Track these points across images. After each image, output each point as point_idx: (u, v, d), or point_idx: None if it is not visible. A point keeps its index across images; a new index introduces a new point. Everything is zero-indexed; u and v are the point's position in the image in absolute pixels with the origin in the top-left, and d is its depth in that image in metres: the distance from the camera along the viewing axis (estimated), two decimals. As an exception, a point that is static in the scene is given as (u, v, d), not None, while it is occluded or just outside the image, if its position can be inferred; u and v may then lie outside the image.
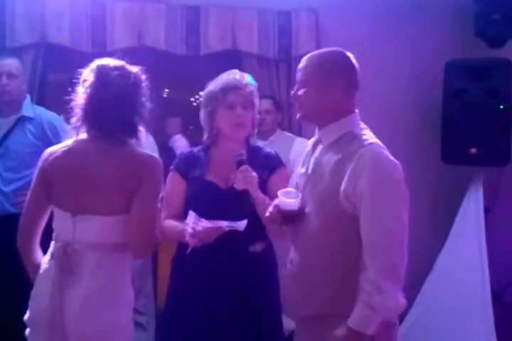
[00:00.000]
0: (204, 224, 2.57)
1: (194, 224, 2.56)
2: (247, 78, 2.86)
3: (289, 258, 2.51)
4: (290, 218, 2.44)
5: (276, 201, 2.48)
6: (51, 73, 4.58)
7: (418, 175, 4.84)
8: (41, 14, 4.25)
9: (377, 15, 4.80)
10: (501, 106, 4.29)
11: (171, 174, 2.93)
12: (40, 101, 4.20)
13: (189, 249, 2.62)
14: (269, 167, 2.86)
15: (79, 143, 2.40)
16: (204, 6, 4.55)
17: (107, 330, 2.30)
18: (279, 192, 2.46)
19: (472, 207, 4.40)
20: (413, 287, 4.47)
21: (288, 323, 3.42)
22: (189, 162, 2.91)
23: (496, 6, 4.36)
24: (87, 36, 4.34)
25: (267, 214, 2.50)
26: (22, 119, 3.79)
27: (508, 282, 4.63)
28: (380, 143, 2.33)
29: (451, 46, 4.83)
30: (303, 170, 2.50)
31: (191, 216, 2.58)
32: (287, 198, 2.41)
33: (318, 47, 4.63)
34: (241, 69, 4.58)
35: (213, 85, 2.86)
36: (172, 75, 5.27)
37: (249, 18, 4.60)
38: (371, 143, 2.29)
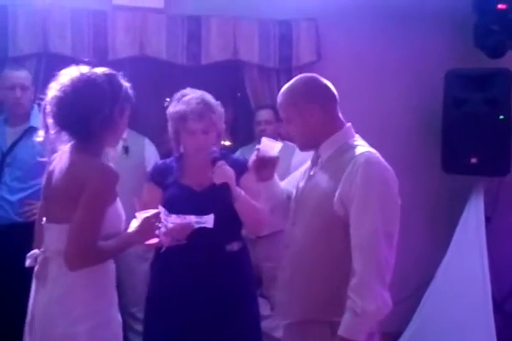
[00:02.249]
0: (173, 219, 2.67)
1: (165, 220, 2.63)
2: (207, 101, 2.95)
3: (281, 264, 2.55)
4: (268, 166, 2.56)
5: (259, 146, 2.58)
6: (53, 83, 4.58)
7: (419, 185, 4.86)
8: (43, 24, 4.27)
9: (377, 25, 4.81)
10: (501, 116, 4.30)
11: (146, 185, 3.07)
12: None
13: (163, 249, 2.71)
14: (239, 169, 2.94)
15: (62, 151, 2.42)
16: (205, 16, 4.56)
17: (63, 338, 2.28)
18: (264, 138, 2.59)
19: (473, 217, 4.41)
20: (415, 296, 4.48)
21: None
22: (163, 171, 3.06)
23: (495, 17, 4.37)
24: (89, 46, 4.35)
25: (250, 162, 2.60)
26: (30, 130, 3.79)
27: (509, 291, 4.63)
28: (375, 151, 2.37)
29: (451, 56, 4.84)
30: (301, 184, 2.56)
31: (160, 211, 2.60)
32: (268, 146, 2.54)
33: (318, 56, 4.67)
34: (242, 79, 4.68)
35: (174, 108, 2.98)
36: (173, 85, 5.28)
37: (250, 28, 4.62)
38: (366, 151, 2.34)
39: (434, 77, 4.62)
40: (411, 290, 4.52)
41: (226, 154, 3.10)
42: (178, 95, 3.01)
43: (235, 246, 2.97)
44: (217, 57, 4.59)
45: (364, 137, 2.50)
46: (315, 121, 2.43)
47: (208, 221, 2.71)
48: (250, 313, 3.02)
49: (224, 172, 2.83)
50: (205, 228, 2.72)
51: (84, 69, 2.39)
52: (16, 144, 3.79)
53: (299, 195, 2.53)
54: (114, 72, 2.45)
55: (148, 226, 2.48)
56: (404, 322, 4.47)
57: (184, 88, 3.04)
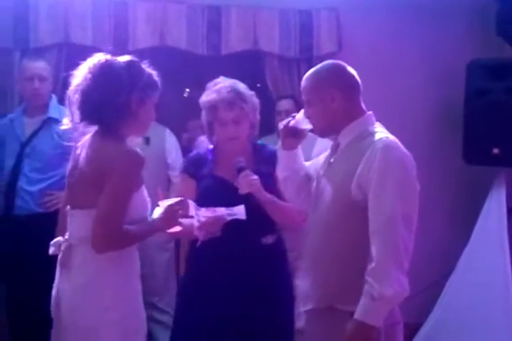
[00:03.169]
0: (203, 212, 2.66)
1: (196, 215, 2.63)
2: (238, 90, 2.91)
3: (303, 251, 2.57)
4: (297, 136, 2.60)
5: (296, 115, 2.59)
6: (67, 74, 4.61)
7: (440, 176, 4.83)
8: (64, 15, 4.29)
9: (397, 15, 4.78)
10: (524, 106, 4.26)
11: (179, 177, 3.11)
12: (62, 101, 4.23)
13: (199, 243, 2.72)
14: (275, 162, 2.87)
15: (87, 138, 2.42)
16: (225, 5, 4.55)
17: (95, 324, 2.30)
18: (301, 111, 2.57)
19: (495, 208, 4.38)
20: (435, 287, 4.46)
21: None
22: (197, 162, 3.03)
23: (518, 5, 4.32)
24: (109, 36, 4.37)
25: (280, 126, 2.63)
26: (49, 121, 3.82)
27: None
28: (394, 138, 2.38)
29: (473, 46, 4.80)
30: (321, 172, 2.56)
31: (190, 205, 2.61)
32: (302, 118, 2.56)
33: (339, 46, 4.65)
34: (262, 69, 4.67)
35: (206, 97, 2.94)
36: (193, 75, 5.29)
37: (270, 18, 4.60)
38: (385, 137, 2.35)
39: (455, 67, 4.58)
40: (432, 281, 4.50)
41: (261, 147, 3.08)
42: (210, 84, 2.97)
43: (269, 239, 2.94)
44: (237, 47, 4.58)
45: (385, 127, 2.49)
46: (336, 107, 2.44)
47: (239, 212, 2.69)
48: (286, 308, 2.98)
49: (248, 182, 2.78)
50: (239, 221, 2.70)
51: (103, 56, 2.39)
52: (35, 135, 3.81)
53: (319, 182, 2.53)
54: (136, 59, 2.44)
55: (172, 214, 2.48)
56: (425, 313, 4.45)
57: (204, 78, 3.01)
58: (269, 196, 2.83)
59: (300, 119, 2.56)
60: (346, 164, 2.39)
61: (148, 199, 2.46)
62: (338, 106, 2.44)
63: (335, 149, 2.52)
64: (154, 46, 4.45)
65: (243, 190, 2.77)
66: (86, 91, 2.34)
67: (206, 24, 4.53)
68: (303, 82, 2.54)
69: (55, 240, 2.47)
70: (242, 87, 2.95)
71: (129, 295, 2.40)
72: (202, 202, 2.73)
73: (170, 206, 2.47)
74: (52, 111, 3.84)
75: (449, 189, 4.91)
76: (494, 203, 4.39)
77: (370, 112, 2.51)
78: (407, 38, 4.83)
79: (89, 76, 2.34)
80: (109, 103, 2.31)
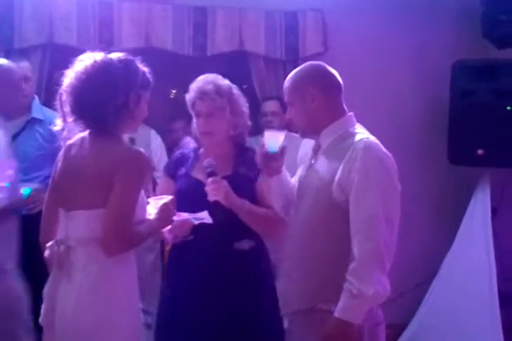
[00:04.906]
0: None
1: None
2: (216, 83, 2.84)
3: (284, 253, 2.55)
4: (277, 159, 2.52)
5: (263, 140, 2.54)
6: (58, 73, 4.59)
7: (425, 176, 4.85)
8: (49, 15, 4.26)
9: (383, 16, 4.79)
10: (508, 107, 4.28)
11: (160, 178, 3.04)
12: (46, 101, 4.21)
13: (169, 246, 2.70)
14: (257, 168, 2.82)
15: (79, 138, 2.40)
16: (211, 6, 4.55)
17: (101, 327, 2.26)
18: (266, 131, 2.53)
19: (479, 208, 4.40)
20: (420, 288, 4.48)
21: None
22: (178, 162, 2.97)
23: (503, 7, 4.34)
24: (94, 37, 4.35)
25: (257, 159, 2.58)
26: (31, 121, 3.79)
27: (515, 283, 4.62)
28: (374, 138, 2.39)
29: (458, 47, 4.82)
30: (302, 173, 2.58)
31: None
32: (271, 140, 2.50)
33: (325, 47, 4.66)
34: (248, 70, 4.67)
35: (188, 93, 2.89)
36: (179, 76, 5.27)
37: (256, 19, 4.60)
38: (365, 138, 2.37)
39: (441, 68, 4.60)
40: (416, 282, 4.52)
41: (245, 149, 2.97)
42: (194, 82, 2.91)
43: (245, 245, 2.82)
44: (223, 48, 4.58)
45: (370, 128, 2.49)
46: (316, 107, 2.45)
47: (205, 217, 2.63)
48: (264, 317, 2.84)
49: (214, 190, 2.68)
50: (212, 225, 2.64)
51: (99, 55, 2.36)
52: (18, 136, 3.77)
53: (300, 184, 2.54)
54: (130, 57, 2.42)
55: (168, 212, 2.46)
56: (410, 314, 4.47)
57: (190, 79, 2.94)
58: (239, 203, 2.72)
59: (270, 141, 2.51)
60: (327, 165, 2.40)
61: (145, 199, 2.43)
62: (319, 106, 2.45)
63: (316, 150, 2.53)
64: (140, 47, 4.43)
65: (210, 197, 2.70)
66: (82, 91, 2.30)
67: (192, 25, 4.53)
68: (285, 83, 2.55)
69: (51, 243, 2.41)
70: (223, 82, 2.87)
71: (131, 297, 2.38)
72: (176, 203, 2.64)
73: (165, 205, 2.45)
74: (35, 112, 3.81)
75: (433, 189, 4.93)
76: (479, 203, 4.42)
77: (351, 113, 2.52)
78: (393, 38, 4.84)
79: (84, 76, 2.30)
80: (109, 103, 2.28)
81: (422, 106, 4.93)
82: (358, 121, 2.52)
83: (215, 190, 2.68)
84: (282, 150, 2.52)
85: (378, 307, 2.37)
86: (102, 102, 2.28)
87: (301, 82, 2.49)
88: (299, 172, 2.67)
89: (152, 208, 2.46)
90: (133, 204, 2.27)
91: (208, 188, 2.69)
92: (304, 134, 2.58)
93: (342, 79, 2.52)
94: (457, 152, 4.45)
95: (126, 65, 2.37)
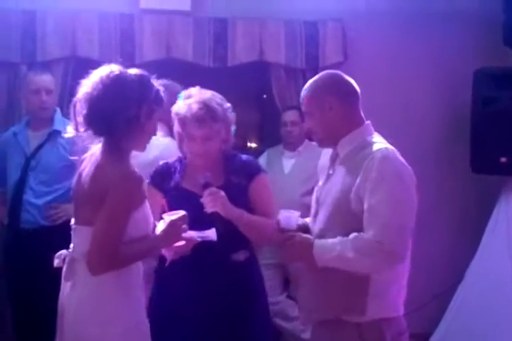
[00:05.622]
0: None
1: None
2: (210, 107, 2.75)
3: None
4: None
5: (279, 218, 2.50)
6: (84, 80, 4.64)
7: (447, 185, 4.82)
8: (71, 28, 4.32)
9: (403, 24, 4.79)
10: (531, 115, 4.25)
11: (148, 190, 2.81)
12: (69, 114, 4.24)
13: (168, 262, 2.61)
14: (247, 174, 2.83)
15: (91, 153, 2.42)
16: (231, 17, 4.58)
17: (96, 339, 2.28)
18: (281, 211, 2.51)
19: (503, 217, 4.37)
20: (443, 297, 4.44)
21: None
22: (164, 174, 2.90)
23: (524, 14, 4.32)
24: (116, 49, 4.39)
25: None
26: (54, 134, 3.83)
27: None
28: (393, 148, 2.38)
29: (480, 55, 4.80)
30: (321, 183, 2.57)
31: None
32: (287, 223, 2.48)
33: (345, 56, 4.66)
34: (268, 80, 4.68)
35: (177, 108, 2.79)
36: (200, 87, 5.30)
37: (276, 29, 4.62)
38: (383, 147, 2.35)
39: (462, 76, 4.58)
40: (439, 291, 4.49)
41: (233, 156, 2.92)
42: (185, 94, 2.83)
43: (241, 256, 2.82)
44: (243, 59, 4.60)
45: (391, 137, 2.48)
46: (334, 116, 2.44)
47: (211, 235, 2.58)
48: (259, 326, 2.86)
49: (213, 202, 2.66)
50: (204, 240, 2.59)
51: (115, 67, 2.37)
52: (41, 148, 3.81)
53: (319, 194, 2.53)
54: (146, 73, 2.42)
55: (175, 230, 2.44)
56: (433, 323, 4.43)
57: (211, 90, 2.88)
58: (237, 213, 2.71)
59: (285, 221, 2.49)
60: (345, 176, 2.38)
61: (150, 215, 2.42)
62: (337, 115, 2.44)
63: (334, 160, 2.52)
64: (161, 59, 4.47)
65: (208, 208, 2.66)
66: (95, 101, 2.31)
67: (212, 36, 4.56)
68: (302, 93, 2.55)
69: (60, 253, 2.46)
70: (216, 102, 2.79)
71: (132, 308, 2.38)
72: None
73: (173, 221, 2.44)
74: (58, 124, 3.84)
75: (456, 198, 4.89)
76: (502, 212, 4.38)
77: (368, 122, 2.51)
78: (413, 47, 4.84)
79: (100, 86, 2.31)
80: (120, 115, 2.29)
81: (443, 115, 4.90)
82: (378, 130, 2.51)
83: (213, 202, 2.66)
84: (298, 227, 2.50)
85: (402, 316, 2.36)
86: (114, 113, 2.29)
87: (319, 90, 2.49)
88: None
89: (163, 224, 2.44)
90: (119, 225, 2.25)
91: (204, 200, 2.66)
92: (322, 144, 2.56)
93: (362, 87, 2.52)
94: (480, 160, 4.42)
95: (141, 79, 2.38)
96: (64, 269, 2.41)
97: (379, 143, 2.40)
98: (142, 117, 2.34)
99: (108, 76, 2.33)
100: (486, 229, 4.40)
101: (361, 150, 2.39)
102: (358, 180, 2.30)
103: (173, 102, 2.81)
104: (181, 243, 2.50)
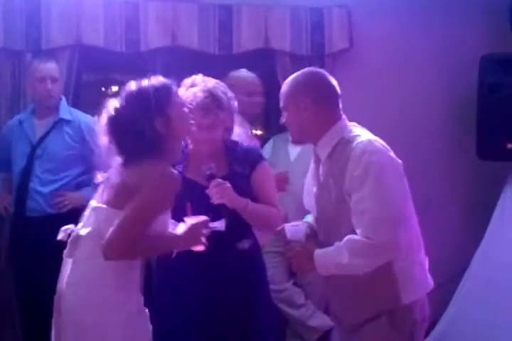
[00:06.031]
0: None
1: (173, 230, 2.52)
2: (216, 96, 2.76)
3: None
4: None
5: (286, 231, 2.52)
6: (85, 74, 4.65)
7: (453, 172, 4.82)
8: (76, 16, 4.30)
9: (409, 11, 4.76)
10: (538, 101, 4.23)
11: None
12: (74, 102, 4.26)
13: (174, 253, 2.60)
14: (250, 162, 2.85)
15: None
16: (236, 4, 4.55)
17: (97, 323, 2.29)
18: (286, 226, 2.53)
19: (509, 203, 4.36)
20: (449, 284, 4.44)
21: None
22: None
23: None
24: (121, 37, 4.36)
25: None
26: (60, 122, 3.83)
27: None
28: (368, 138, 2.38)
29: (486, 41, 4.77)
30: (314, 190, 2.59)
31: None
32: (293, 235, 2.50)
33: (351, 43, 4.63)
34: (274, 67, 4.66)
35: (184, 93, 2.73)
36: (205, 74, 5.29)
37: (281, 16, 4.60)
38: (359, 142, 2.36)
39: (468, 62, 4.56)
40: (446, 278, 4.49)
41: (235, 144, 2.93)
42: (188, 82, 2.82)
43: (245, 244, 2.86)
44: (248, 46, 4.58)
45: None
46: (307, 116, 2.46)
47: (220, 225, 2.60)
48: (264, 313, 2.91)
49: (219, 193, 2.68)
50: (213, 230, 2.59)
51: (137, 85, 2.38)
52: (47, 136, 3.82)
53: (317, 205, 2.56)
54: (168, 83, 2.41)
55: (195, 234, 2.44)
56: (439, 309, 4.44)
57: (216, 78, 2.90)
58: (242, 203, 2.74)
59: (291, 234, 2.51)
60: (335, 180, 2.40)
61: (168, 224, 2.43)
62: (310, 116, 2.46)
63: (317, 163, 2.55)
64: (166, 46, 4.45)
65: (214, 200, 2.69)
66: (117, 118, 2.35)
67: (218, 23, 4.53)
68: (282, 87, 2.55)
69: (67, 227, 2.45)
70: (221, 90, 2.81)
71: (131, 296, 2.38)
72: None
73: (193, 225, 2.43)
74: (63, 113, 3.85)
75: (463, 185, 4.89)
76: (509, 198, 4.37)
77: (343, 116, 2.52)
78: (419, 33, 4.81)
79: (119, 108, 2.36)
80: (144, 123, 2.31)
81: (449, 101, 4.88)
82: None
83: (219, 193, 2.68)
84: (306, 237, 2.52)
85: (426, 303, 2.42)
86: (131, 133, 2.31)
87: (297, 89, 2.50)
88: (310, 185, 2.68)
89: (184, 226, 2.44)
90: (148, 218, 2.28)
91: (210, 191, 2.68)
92: (297, 140, 2.61)
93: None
94: (486, 147, 4.40)
95: (159, 89, 2.37)
96: (68, 245, 2.40)
97: (356, 136, 2.40)
98: (160, 128, 2.33)
99: (128, 98, 2.36)
100: (493, 215, 4.40)
101: (342, 150, 2.40)
102: (346, 181, 2.32)
103: None
104: (200, 248, 2.48)
